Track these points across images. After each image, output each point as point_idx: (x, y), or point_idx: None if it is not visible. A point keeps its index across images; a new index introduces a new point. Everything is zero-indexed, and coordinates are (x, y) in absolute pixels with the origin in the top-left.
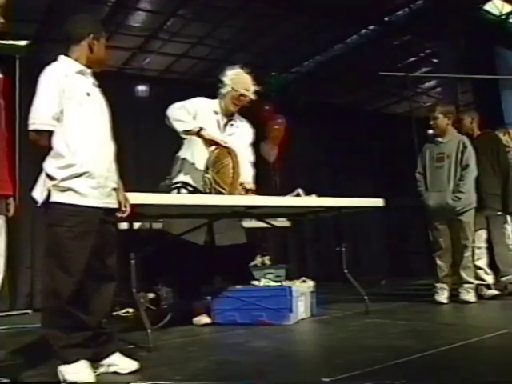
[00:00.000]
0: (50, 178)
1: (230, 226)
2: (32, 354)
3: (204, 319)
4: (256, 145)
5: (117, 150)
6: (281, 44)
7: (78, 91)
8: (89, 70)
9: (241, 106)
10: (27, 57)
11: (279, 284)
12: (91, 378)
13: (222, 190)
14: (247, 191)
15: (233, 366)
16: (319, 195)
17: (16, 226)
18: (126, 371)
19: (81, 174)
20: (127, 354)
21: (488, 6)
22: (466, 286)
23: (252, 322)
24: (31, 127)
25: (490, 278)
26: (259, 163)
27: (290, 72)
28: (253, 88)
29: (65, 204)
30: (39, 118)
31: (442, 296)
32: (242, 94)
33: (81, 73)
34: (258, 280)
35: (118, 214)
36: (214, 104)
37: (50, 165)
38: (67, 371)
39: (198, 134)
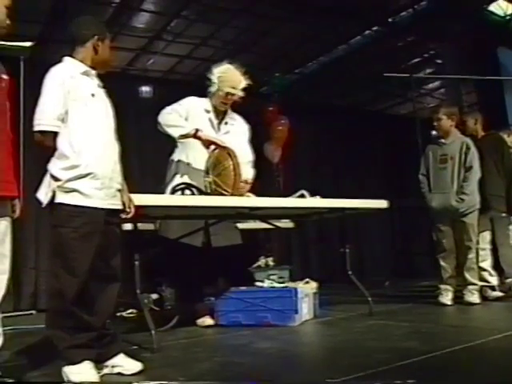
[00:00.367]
0: (55, 178)
1: (226, 227)
2: (36, 355)
3: (208, 320)
4: (260, 146)
5: (121, 150)
6: (284, 45)
7: (82, 92)
8: (94, 72)
9: (230, 104)
10: (31, 58)
11: (284, 285)
12: (95, 378)
13: (224, 193)
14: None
15: (237, 367)
16: (323, 196)
17: (20, 227)
18: (130, 372)
19: (85, 175)
20: (131, 354)
21: (492, 7)
22: (471, 287)
23: (256, 323)
24: (36, 128)
25: (494, 280)
26: (263, 164)
27: (293, 73)
28: (242, 84)
29: (69, 205)
30: (44, 118)
31: (446, 298)
32: (229, 93)
33: (86, 74)
34: (258, 281)
35: (123, 215)
36: (205, 102)
37: (54, 166)
38: (71, 372)
39: (194, 136)
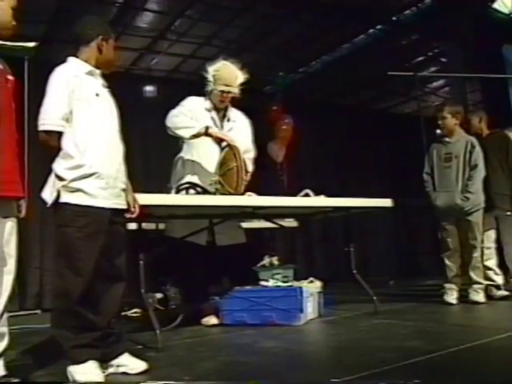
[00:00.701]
0: (60, 178)
1: (229, 226)
2: (41, 354)
3: (212, 320)
4: (264, 145)
5: (125, 150)
6: (288, 44)
7: (87, 92)
8: (98, 71)
9: (228, 101)
10: (36, 58)
11: (289, 284)
12: (100, 378)
13: (226, 193)
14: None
15: (241, 366)
16: (327, 195)
17: (25, 227)
18: (135, 371)
19: (90, 175)
20: (136, 354)
21: (497, 5)
22: (476, 286)
23: (261, 322)
24: (41, 128)
25: (499, 279)
26: (267, 163)
27: (297, 72)
28: (238, 80)
29: (74, 205)
30: (49, 118)
31: (451, 297)
32: (223, 91)
33: (90, 74)
34: (262, 280)
35: (127, 215)
36: (205, 102)
37: (59, 165)
38: (76, 371)
39: (206, 133)
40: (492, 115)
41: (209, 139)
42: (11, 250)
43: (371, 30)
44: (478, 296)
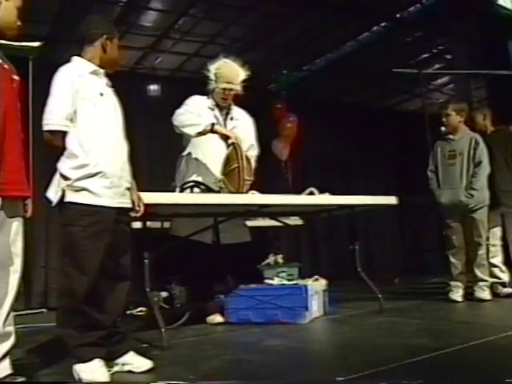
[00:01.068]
0: (64, 178)
1: (234, 225)
2: (47, 353)
3: (217, 318)
4: (268, 143)
5: (129, 149)
6: (292, 42)
7: (91, 91)
8: (102, 71)
9: (230, 98)
10: (40, 58)
11: (294, 283)
12: (106, 376)
13: (230, 193)
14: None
15: (246, 364)
16: (332, 193)
17: (30, 226)
18: (140, 370)
19: (95, 174)
20: (141, 352)
21: (502, 1)
22: (481, 283)
23: (266, 320)
24: (45, 128)
25: (505, 276)
26: (271, 161)
27: (301, 70)
28: (239, 78)
29: (79, 204)
30: (53, 118)
31: (457, 294)
32: (225, 89)
33: (94, 73)
34: (267, 278)
35: (132, 214)
36: (208, 100)
37: (63, 165)
38: (82, 370)
39: (211, 130)
40: (497, 112)
41: (214, 137)
42: (17, 249)
43: (375, 28)
44: (484, 293)
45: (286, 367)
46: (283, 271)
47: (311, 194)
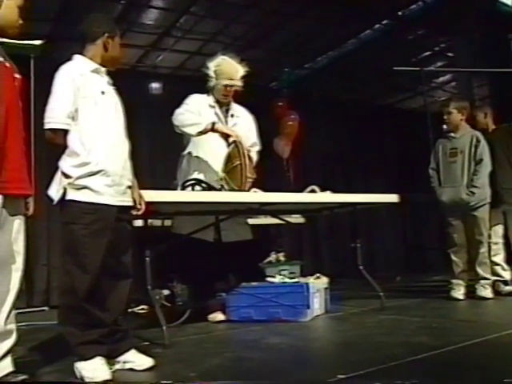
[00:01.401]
0: (66, 176)
1: (236, 223)
2: (49, 351)
3: (219, 316)
4: (270, 141)
5: (131, 147)
6: (293, 40)
7: (92, 90)
8: (103, 69)
9: (231, 95)
10: (42, 56)
11: (295, 280)
12: (107, 374)
13: (232, 190)
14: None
15: (248, 362)
16: (333, 191)
17: (32, 224)
18: (142, 368)
19: (96, 172)
20: (142, 350)
21: None
22: (483, 282)
23: (268, 318)
24: (47, 126)
25: (507, 274)
26: (273, 159)
27: (302, 68)
28: (239, 74)
29: (80, 202)
30: (54, 116)
31: (458, 292)
32: (227, 85)
33: (95, 71)
34: (269, 276)
35: (133, 212)
36: (208, 98)
37: (65, 163)
38: (84, 368)
39: (212, 129)
40: (499, 109)
41: (214, 135)
42: (19, 247)
43: (377, 25)
44: (486, 291)
45: (288, 365)
46: (285, 269)
47: (313, 191)
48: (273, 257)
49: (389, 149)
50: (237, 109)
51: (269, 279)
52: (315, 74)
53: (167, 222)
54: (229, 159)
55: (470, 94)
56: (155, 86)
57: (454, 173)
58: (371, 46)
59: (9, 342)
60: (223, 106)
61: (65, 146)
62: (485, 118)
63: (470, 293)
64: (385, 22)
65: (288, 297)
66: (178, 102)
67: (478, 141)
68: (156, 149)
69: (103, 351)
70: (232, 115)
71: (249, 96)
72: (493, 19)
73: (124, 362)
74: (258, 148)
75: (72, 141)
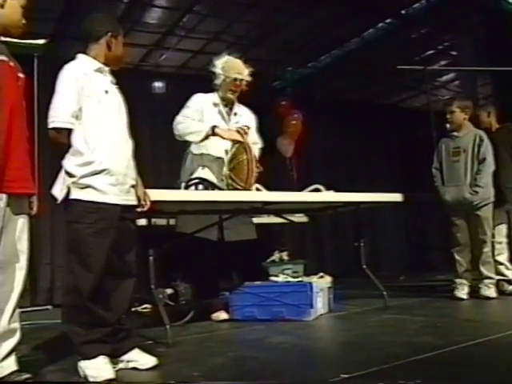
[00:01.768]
0: (70, 175)
1: (240, 222)
2: (52, 350)
3: (222, 315)
4: (273, 140)
5: (134, 146)
6: (296, 39)
7: (96, 89)
8: (107, 68)
9: (239, 91)
10: (45, 55)
11: (299, 280)
12: (111, 373)
13: (237, 187)
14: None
15: (251, 362)
16: (337, 190)
17: (36, 223)
18: (145, 367)
19: (100, 171)
20: (146, 349)
21: None
22: (487, 281)
23: (271, 317)
24: (51, 125)
25: (511, 274)
26: (276, 158)
27: (306, 67)
28: (246, 70)
29: (84, 201)
30: (58, 116)
31: (462, 292)
32: (236, 79)
33: (99, 71)
34: (272, 275)
35: (138, 209)
36: (212, 97)
37: (69, 162)
38: (87, 367)
39: (213, 134)
40: (503, 109)
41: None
42: (23, 246)
43: (380, 24)
44: (489, 291)
45: (291, 364)
46: (288, 268)
47: (317, 190)
48: (276, 256)
49: (392, 148)
50: (240, 108)
51: (272, 278)
52: (318, 72)
53: (171, 221)
54: (233, 156)
55: (473, 92)
56: (158, 85)
57: (457, 172)
58: (374, 44)
59: (13, 341)
60: (227, 104)
61: (69, 145)
62: (488, 117)
63: (474, 292)
64: (388, 20)
65: (291, 296)
66: (182, 101)
67: (482, 140)
68: (159, 147)
69: (107, 350)
70: (235, 114)
71: (252, 95)
72: (496, 17)
73: (127, 361)
74: (259, 145)
75: (76, 140)
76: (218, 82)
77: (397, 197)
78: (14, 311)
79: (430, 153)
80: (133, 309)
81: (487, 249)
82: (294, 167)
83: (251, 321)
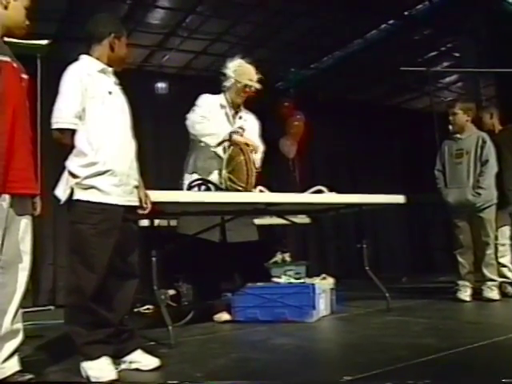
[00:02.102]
0: (73, 176)
1: (242, 223)
2: (55, 350)
3: (224, 316)
4: (276, 141)
5: (137, 147)
6: (299, 40)
7: (99, 90)
8: (110, 69)
9: (247, 96)
10: (48, 56)
11: (301, 281)
12: (113, 374)
13: (239, 188)
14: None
15: (253, 363)
16: (339, 192)
17: (39, 224)
18: (148, 368)
19: (103, 172)
20: (148, 350)
21: None
22: (490, 283)
23: (273, 319)
24: (54, 126)
25: None
26: (279, 159)
27: (309, 68)
28: (256, 77)
29: (88, 202)
30: (62, 116)
31: (465, 294)
32: (246, 85)
33: (102, 71)
34: (274, 277)
35: (140, 211)
36: (220, 98)
37: (72, 163)
38: (90, 367)
39: (230, 140)
40: (506, 110)
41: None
42: (26, 247)
43: (383, 25)
44: (492, 293)
45: (293, 366)
46: (290, 269)
47: (319, 192)
48: (278, 257)
49: (395, 149)
50: (246, 114)
51: (274, 280)
52: (321, 73)
53: (173, 222)
54: (231, 158)
55: (476, 94)
56: (161, 85)
57: (460, 174)
58: (377, 46)
59: (15, 342)
60: (234, 107)
61: (72, 146)
62: (491, 118)
63: (477, 294)
64: (391, 21)
65: (294, 297)
66: (184, 102)
67: (484, 142)
68: (162, 148)
69: (109, 351)
70: (240, 117)
71: (255, 96)
72: (499, 19)
73: (130, 362)
74: (262, 149)
75: (79, 141)
76: (227, 84)
77: (399, 198)
78: (16, 312)
79: (433, 154)
80: (135, 310)
81: (490, 251)
82: (296, 168)
83: (253, 322)
